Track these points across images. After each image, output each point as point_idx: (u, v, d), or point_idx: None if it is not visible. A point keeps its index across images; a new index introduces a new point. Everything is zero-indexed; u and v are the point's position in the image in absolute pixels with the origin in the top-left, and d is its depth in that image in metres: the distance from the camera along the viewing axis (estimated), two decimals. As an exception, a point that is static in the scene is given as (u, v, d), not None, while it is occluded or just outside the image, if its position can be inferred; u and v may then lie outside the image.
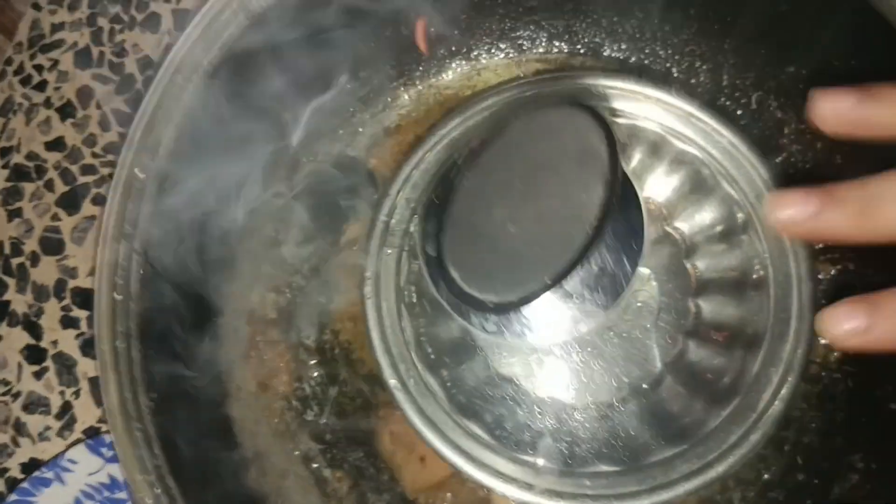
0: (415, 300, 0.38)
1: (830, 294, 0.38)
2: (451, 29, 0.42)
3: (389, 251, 0.39)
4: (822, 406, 0.37)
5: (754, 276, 0.37)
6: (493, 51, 0.42)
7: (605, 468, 0.35)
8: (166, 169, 0.36)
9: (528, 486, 0.35)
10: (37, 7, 0.56)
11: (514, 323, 0.28)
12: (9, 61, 0.55)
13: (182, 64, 0.37)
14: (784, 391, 0.35)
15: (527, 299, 0.24)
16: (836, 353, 0.38)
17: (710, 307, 0.37)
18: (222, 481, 0.36)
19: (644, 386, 0.36)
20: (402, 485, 0.39)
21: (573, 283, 0.27)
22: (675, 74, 0.40)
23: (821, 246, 0.38)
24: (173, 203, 0.36)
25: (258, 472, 0.38)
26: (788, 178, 0.39)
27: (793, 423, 0.37)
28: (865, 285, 0.37)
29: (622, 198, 0.27)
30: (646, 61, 0.41)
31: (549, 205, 0.25)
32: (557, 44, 0.41)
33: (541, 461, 0.35)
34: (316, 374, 0.41)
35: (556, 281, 0.24)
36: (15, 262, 0.50)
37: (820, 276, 0.38)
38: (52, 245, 0.50)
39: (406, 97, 0.43)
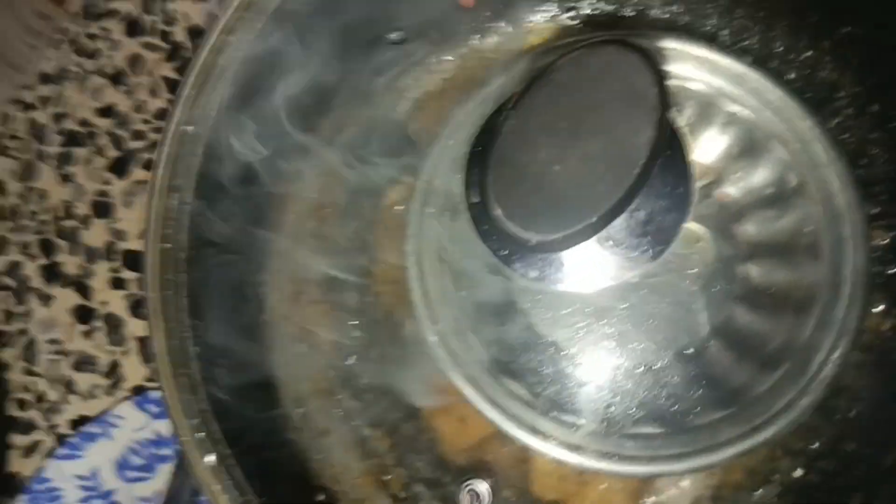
0: (458, 259, 0.38)
1: (884, 259, 0.37)
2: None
3: (432, 210, 0.38)
4: (875, 374, 0.36)
5: (806, 241, 0.36)
6: (538, 12, 0.42)
7: (648, 430, 0.34)
8: (216, 123, 0.36)
9: (570, 447, 0.34)
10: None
11: (557, 270, 0.28)
12: (63, 31, 0.56)
13: (230, 25, 0.38)
14: (835, 356, 0.34)
15: (570, 238, 0.24)
16: (890, 321, 0.36)
17: (760, 271, 0.37)
18: (264, 434, 0.37)
19: (690, 349, 0.36)
20: (442, 445, 0.39)
21: (619, 228, 0.27)
22: (727, 35, 0.39)
23: (875, 210, 0.37)
24: (221, 158, 0.36)
25: (299, 428, 0.39)
26: (841, 141, 0.37)
27: (844, 391, 0.36)
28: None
29: (670, 145, 0.27)
30: (695, 23, 0.40)
31: (596, 145, 0.24)
32: (603, 5, 0.41)
33: (582, 421, 0.35)
34: (357, 334, 0.41)
35: (602, 222, 0.24)
36: (67, 224, 0.51)
37: (874, 243, 0.37)
38: (103, 208, 0.51)
39: (450, 61, 0.43)
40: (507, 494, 0.38)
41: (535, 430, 0.35)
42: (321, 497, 0.37)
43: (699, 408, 0.34)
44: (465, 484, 0.35)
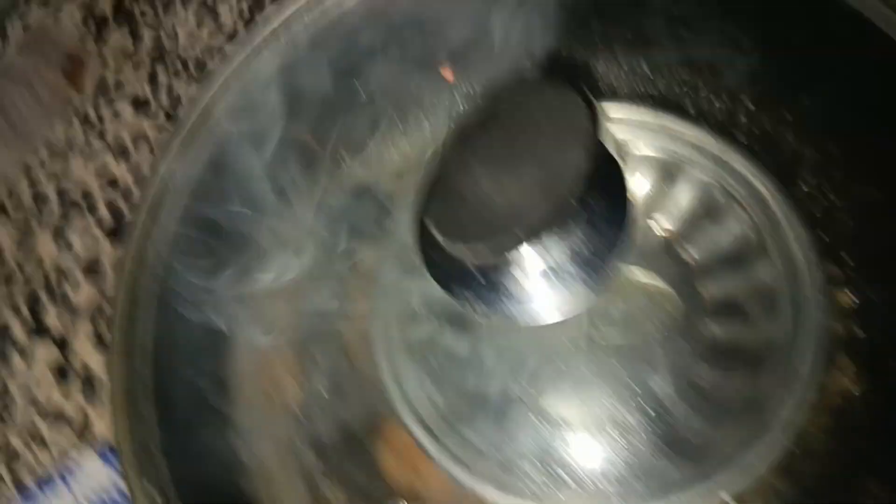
0: (421, 313, 0.38)
1: (854, 324, 0.37)
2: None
3: (396, 269, 0.39)
4: (842, 438, 0.35)
5: (768, 301, 0.36)
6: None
7: (599, 485, 0.33)
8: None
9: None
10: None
11: (503, 304, 0.28)
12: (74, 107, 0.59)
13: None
14: (799, 417, 0.34)
15: (499, 248, 0.24)
16: (860, 386, 0.36)
17: (721, 330, 0.36)
18: (217, 476, 0.36)
19: (650, 405, 0.35)
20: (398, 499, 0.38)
21: (556, 257, 0.27)
22: (691, 105, 0.41)
23: (842, 275, 0.37)
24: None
25: (255, 478, 0.38)
26: (804, 207, 0.38)
27: (811, 456, 0.35)
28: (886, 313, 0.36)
29: (608, 177, 0.28)
30: (663, 93, 0.42)
31: (531, 172, 0.25)
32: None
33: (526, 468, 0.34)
34: (323, 386, 0.40)
35: (527, 233, 0.24)
36: (58, 287, 0.53)
37: (843, 306, 0.37)
38: (94, 273, 0.53)
39: (427, 127, 0.45)
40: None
41: (492, 483, 0.35)
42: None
43: (654, 462, 0.33)
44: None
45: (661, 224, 0.39)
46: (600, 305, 0.36)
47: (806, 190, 0.38)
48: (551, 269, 0.27)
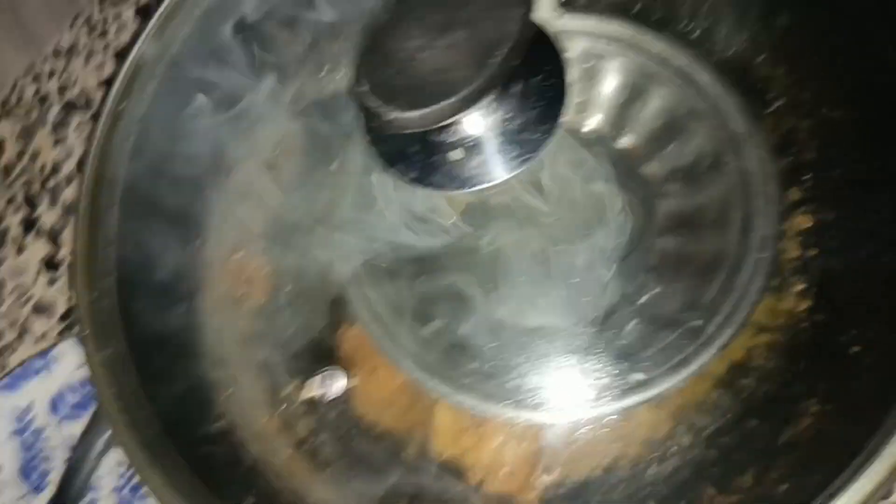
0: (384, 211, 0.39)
1: (808, 244, 0.36)
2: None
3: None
4: (785, 355, 0.35)
5: (721, 217, 0.36)
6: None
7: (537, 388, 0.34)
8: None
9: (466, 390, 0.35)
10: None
11: (434, 172, 0.29)
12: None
13: None
14: (743, 333, 0.34)
15: (427, 116, 0.25)
16: (806, 303, 0.36)
17: (673, 243, 0.37)
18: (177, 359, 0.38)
19: (597, 313, 0.36)
20: (354, 397, 0.39)
21: (488, 125, 0.27)
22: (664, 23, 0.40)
23: (801, 196, 0.37)
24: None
25: (214, 366, 0.39)
26: (767, 125, 0.38)
27: (754, 371, 0.35)
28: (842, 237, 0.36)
29: (544, 53, 0.28)
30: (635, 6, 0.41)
31: (466, 39, 0.25)
32: None
33: (475, 364, 0.35)
34: (289, 288, 0.42)
35: (462, 102, 0.25)
36: (51, 182, 0.54)
37: (801, 228, 0.37)
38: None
39: None
40: (410, 452, 0.38)
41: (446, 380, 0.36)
42: (221, 422, 0.37)
43: (600, 367, 0.34)
44: (325, 369, 0.35)
45: (622, 137, 0.39)
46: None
47: (772, 110, 0.38)
48: (483, 136, 0.28)
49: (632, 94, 0.39)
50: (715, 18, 0.40)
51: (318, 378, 0.35)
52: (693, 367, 0.34)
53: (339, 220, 0.40)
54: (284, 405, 0.39)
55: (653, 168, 0.38)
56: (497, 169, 0.28)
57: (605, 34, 0.40)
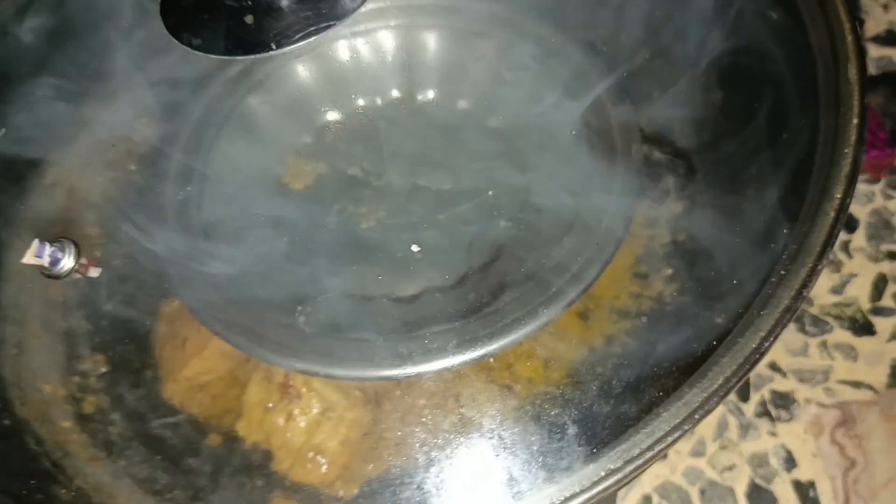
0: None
1: (677, 228, 0.33)
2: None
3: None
4: (648, 336, 0.31)
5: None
6: None
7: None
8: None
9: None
10: None
11: (224, 38, 0.26)
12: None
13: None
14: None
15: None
16: (672, 287, 0.32)
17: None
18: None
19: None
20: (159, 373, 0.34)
21: None
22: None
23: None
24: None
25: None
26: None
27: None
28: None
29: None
30: None
31: None
32: None
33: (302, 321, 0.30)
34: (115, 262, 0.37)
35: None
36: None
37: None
38: None
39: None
40: (213, 439, 0.32)
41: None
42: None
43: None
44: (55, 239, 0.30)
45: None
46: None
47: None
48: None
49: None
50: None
51: (45, 245, 0.30)
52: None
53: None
54: (77, 377, 0.34)
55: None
56: (290, 34, 0.25)
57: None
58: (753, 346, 0.21)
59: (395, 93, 0.38)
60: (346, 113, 0.38)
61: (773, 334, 0.21)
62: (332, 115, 0.38)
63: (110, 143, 0.40)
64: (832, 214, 0.23)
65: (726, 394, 0.22)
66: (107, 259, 0.37)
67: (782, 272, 0.22)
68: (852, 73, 0.25)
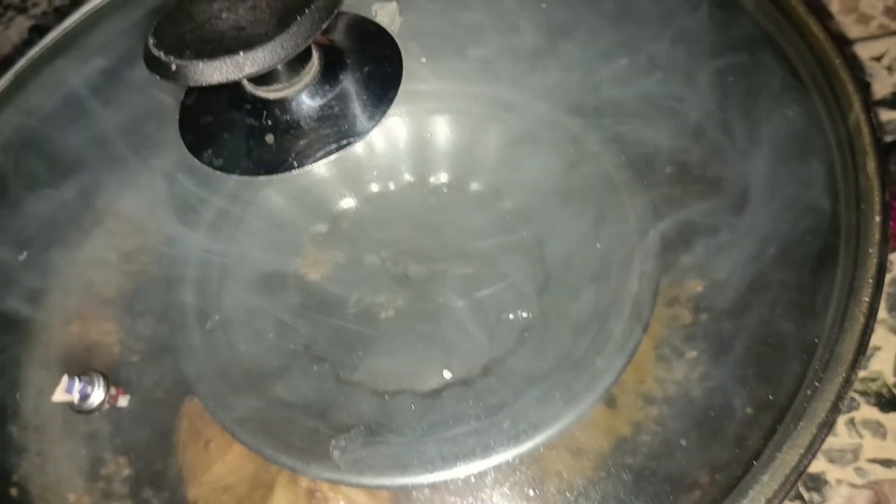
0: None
1: (699, 308, 0.33)
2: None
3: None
4: (675, 423, 0.30)
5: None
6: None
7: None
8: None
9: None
10: None
11: (244, 158, 0.26)
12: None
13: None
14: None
15: (211, 67, 0.22)
16: (698, 370, 0.32)
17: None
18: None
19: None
20: (185, 479, 0.33)
21: (306, 112, 0.25)
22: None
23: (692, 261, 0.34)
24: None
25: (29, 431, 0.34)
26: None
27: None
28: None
29: (376, 48, 0.26)
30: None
31: (267, 3, 0.24)
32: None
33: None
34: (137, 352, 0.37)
35: (249, 59, 0.22)
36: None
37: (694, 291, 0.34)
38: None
39: None
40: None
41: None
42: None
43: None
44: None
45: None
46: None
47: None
48: (298, 121, 0.25)
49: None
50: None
51: (74, 381, 0.30)
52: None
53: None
54: (101, 483, 0.33)
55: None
56: (311, 153, 0.26)
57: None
58: (793, 463, 0.21)
59: (407, 177, 0.38)
60: (361, 199, 0.38)
61: (811, 451, 0.21)
62: (347, 203, 0.38)
63: (126, 235, 0.40)
64: (861, 320, 0.22)
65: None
66: (126, 356, 0.37)
67: (816, 384, 0.22)
68: (871, 167, 0.25)
